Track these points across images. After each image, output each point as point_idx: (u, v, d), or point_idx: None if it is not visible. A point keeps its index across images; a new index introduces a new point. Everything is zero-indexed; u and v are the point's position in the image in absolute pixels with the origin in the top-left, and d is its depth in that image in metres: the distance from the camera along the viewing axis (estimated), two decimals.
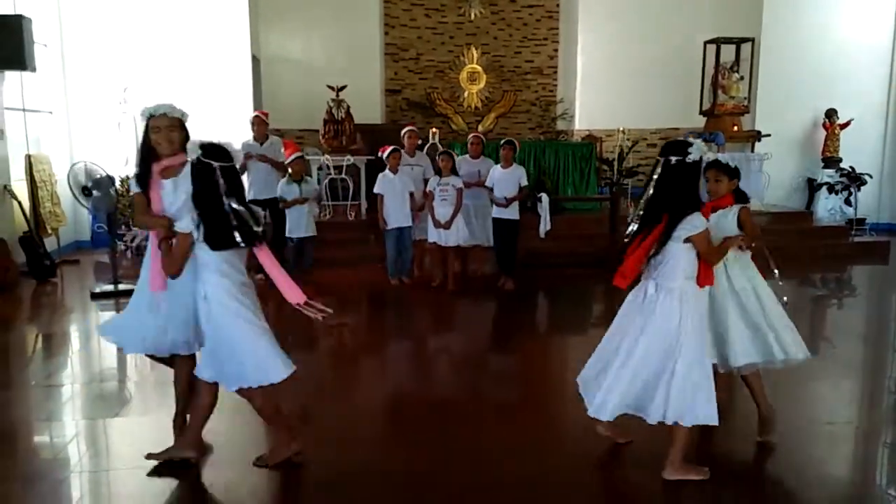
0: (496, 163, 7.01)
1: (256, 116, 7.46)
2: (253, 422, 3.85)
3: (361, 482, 3.22)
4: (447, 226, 6.79)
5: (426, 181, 7.11)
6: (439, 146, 8.64)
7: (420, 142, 8.02)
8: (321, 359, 5.26)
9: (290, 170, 6.85)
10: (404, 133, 7.47)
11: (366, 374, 5.00)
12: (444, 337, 5.97)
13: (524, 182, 6.84)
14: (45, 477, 3.29)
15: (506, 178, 6.77)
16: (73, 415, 4.10)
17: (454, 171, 6.88)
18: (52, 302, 6.98)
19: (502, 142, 6.92)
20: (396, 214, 6.91)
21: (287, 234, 6.82)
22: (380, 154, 7.15)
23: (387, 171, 6.97)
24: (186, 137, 3.34)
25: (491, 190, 6.83)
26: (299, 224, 6.81)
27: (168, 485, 3.20)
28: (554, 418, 4.09)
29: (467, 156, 7.29)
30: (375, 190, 7.01)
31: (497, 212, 6.84)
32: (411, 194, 6.95)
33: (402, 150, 7.17)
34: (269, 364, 3.09)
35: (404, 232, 6.99)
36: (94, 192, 6.80)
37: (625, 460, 3.42)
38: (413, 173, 7.20)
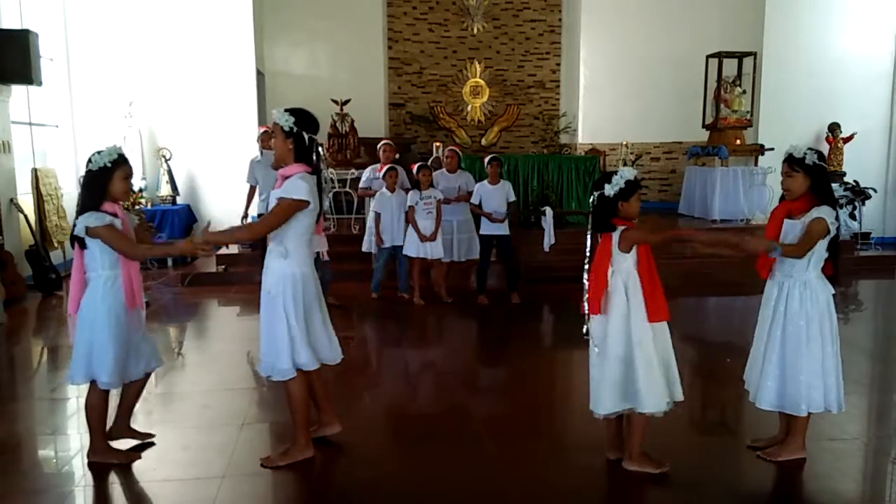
0: (475, 176, 7.05)
1: (266, 132, 7.44)
2: (257, 436, 3.86)
3: (367, 496, 3.21)
4: (433, 238, 6.80)
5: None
6: (443, 160, 8.66)
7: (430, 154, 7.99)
8: (326, 372, 5.24)
9: None
10: (380, 147, 7.43)
11: (370, 387, 4.98)
12: (442, 351, 5.95)
13: (511, 197, 6.89)
14: (50, 490, 3.30)
15: (494, 194, 6.80)
16: (78, 428, 4.08)
17: (432, 185, 6.90)
18: (57, 315, 6.98)
19: (488, 158, 6.96)
20: (393, 233, 6.91)
21: None
22: (377, 174, 7.18)
23: (384, 189, 6.97)
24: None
25: (478, 206, 6.84)
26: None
27: (172, 499, 3.20)
28: (556, 430, 4.08)
29: (444, 171, 7.28)
30: (373, 208, 7.02)
31: (488, 228, 6.82)
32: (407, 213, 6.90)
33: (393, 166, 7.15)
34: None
35: (398, 250, 6.98)
36: None
37: (628, 471, 3.40)
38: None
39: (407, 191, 7.12)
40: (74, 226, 3.34)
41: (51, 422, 4.19)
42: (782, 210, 3.42)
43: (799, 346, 3.33)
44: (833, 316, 3.39)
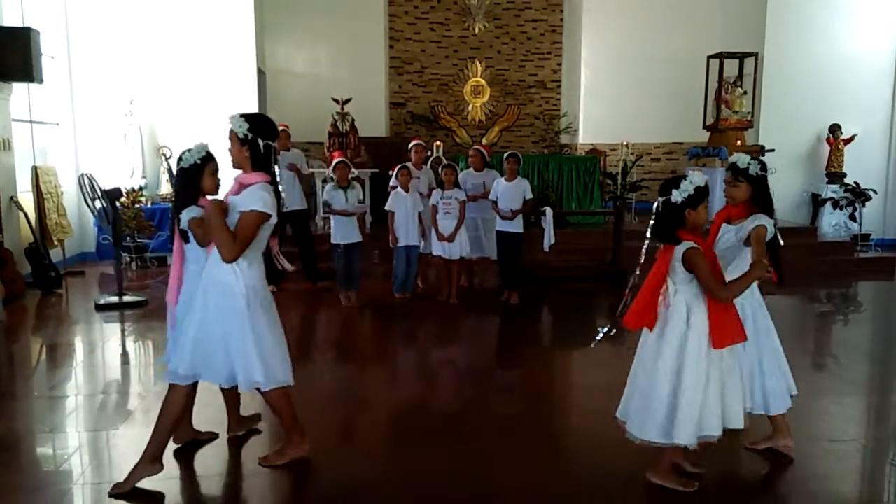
0: (500, 174, 7.04)
1: (283, 130, 7.43)
2: (257, 434, 3.85)
3: (366, 493, 3.21)
4: (451, 239, 6.80)
5: (429, 195, 7.14)
6: (443, 159, 8.68)
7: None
8: (327, 370, 5.25)
9: (335, 176, 6.77)
10: (412, 147, 7.48)
11: (371, 386, 4.99)
12: (449, 350, 5.96)
13: (529, 195, 6.84)
14: (48, 489, 3.29)
15: (510, 191, 6.78)
16: (77, 426, 4.09)
17: (457, 184, 6.90)
18: (56, 313, 6.99)
19: (506, 155, 6.93)
20: (407, 232, 6.92)
21: (332, 241, 6.72)
22: (391, 173, 7.19)
23: (399, 188, 6.97)
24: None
25: (495, 203, 6.84)
26: (345, 231, 6.67)
27: (171, 497, 3.20)
28: (556, 431, 4.08)
29: (471, 169, 7.33)
30: (387, 207, 7.02)
31: (501, 225, 6.84)
32: (420, 214, 6.96)
33: (410, 165, 7.19)
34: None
35: (412, 250, 7.00)
36: (97, 204, 6.87)
37: (627, 473, 3.40)
38: (415, 185, 7.21)
39: (432, 190, 7.14)
40: (179, 220, 3.38)
41: (49, 420, 4.19)
42: (724, 215, 3.51)
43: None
44: (766, 318, 3.47)
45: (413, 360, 5.71)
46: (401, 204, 6.91)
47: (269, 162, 3.21)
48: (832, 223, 10.52)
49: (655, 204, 3.08)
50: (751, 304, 3.42)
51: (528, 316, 6.82)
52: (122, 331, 6.22)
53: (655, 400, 3.06)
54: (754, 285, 3.36)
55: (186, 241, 3.40)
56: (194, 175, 3.41)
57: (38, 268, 7.54)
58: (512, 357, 5.66)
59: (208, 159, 3.45)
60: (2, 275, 6.60)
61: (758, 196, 3.41)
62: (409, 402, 4.60)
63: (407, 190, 6.94)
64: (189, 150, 3.44)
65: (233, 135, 3.20)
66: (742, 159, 3.42)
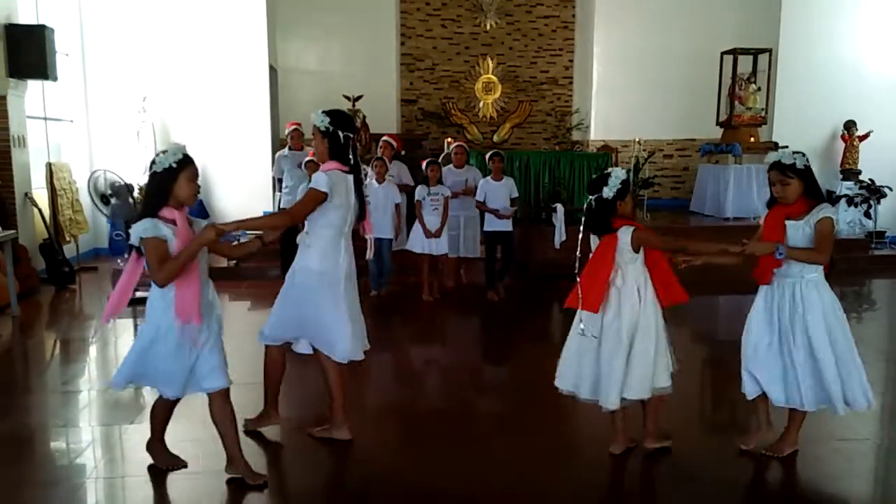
0: (483, 173, 7.04)
1: (295, 129, 7.70)
2: (266, 430, 3.87)
3: (374, 491, 3.22)
4: (438, 234, 6.78)
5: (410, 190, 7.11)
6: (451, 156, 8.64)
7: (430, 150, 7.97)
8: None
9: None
10: (380, 143, 7.39)
11: (372, 384, 4.99)
12: (451, 347, 5.95)
13: (515, 193, 6.87)
14: (62, 483, 3.33)
15: (498, 190, 6.80)
16: (90, 421, 4.13)
17: (441, 181, 6.88)
18: (70, 308, 7.05)
19: (490, 154, 6.94)
20: (376, 224, 6.82)
21: None
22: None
23: (372, 180, 6.94)
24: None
25: (482, 203, 6.82)
26: None
27: (182, 492, 3.22)
28: (563, 428, 4.07)
29: (451, 166, 7.28)
30: None
31: (491, 224, 6.82)
32: (397, 206, 6.86)
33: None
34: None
35: (383, 243, 6.86)
36: (113, 200, 6.92)
37: (633, 469, 3.39)
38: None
39: (408, 187, 7.11)
40: (129, 233, 3.04)
41: (63, 414, 4.23)
42: (779, 214, 3.37)
43: (829, 346, 3.39)
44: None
45: (415, 358, 5.70)
46: (371, 196, 6.81)
47: (347, 152, 3.50)
48: (847, 220, 10.41)
49: (587, 202, 3.41)
50: (832, 307, 3.49)
51: (538, 313, 6.80)
52: (135, 326, 6.24)
53: (617, 370, 3.34)
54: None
55: (141, 254, 3.03)
56: (167, 180, 2.97)
57: (52, 264, 7.60)
58: (517, 353, 5.64)
59: (185, 163, 3.00)
60: (16, 271, 6.66)
61: (809, 188, 3.34)
62: (414, 402, 4.60)
63: (380, 181, 6.84)
64: (164, 152, 3.02)
65: (315, 129, 3.49)
66: (786, 156, 3.34)
